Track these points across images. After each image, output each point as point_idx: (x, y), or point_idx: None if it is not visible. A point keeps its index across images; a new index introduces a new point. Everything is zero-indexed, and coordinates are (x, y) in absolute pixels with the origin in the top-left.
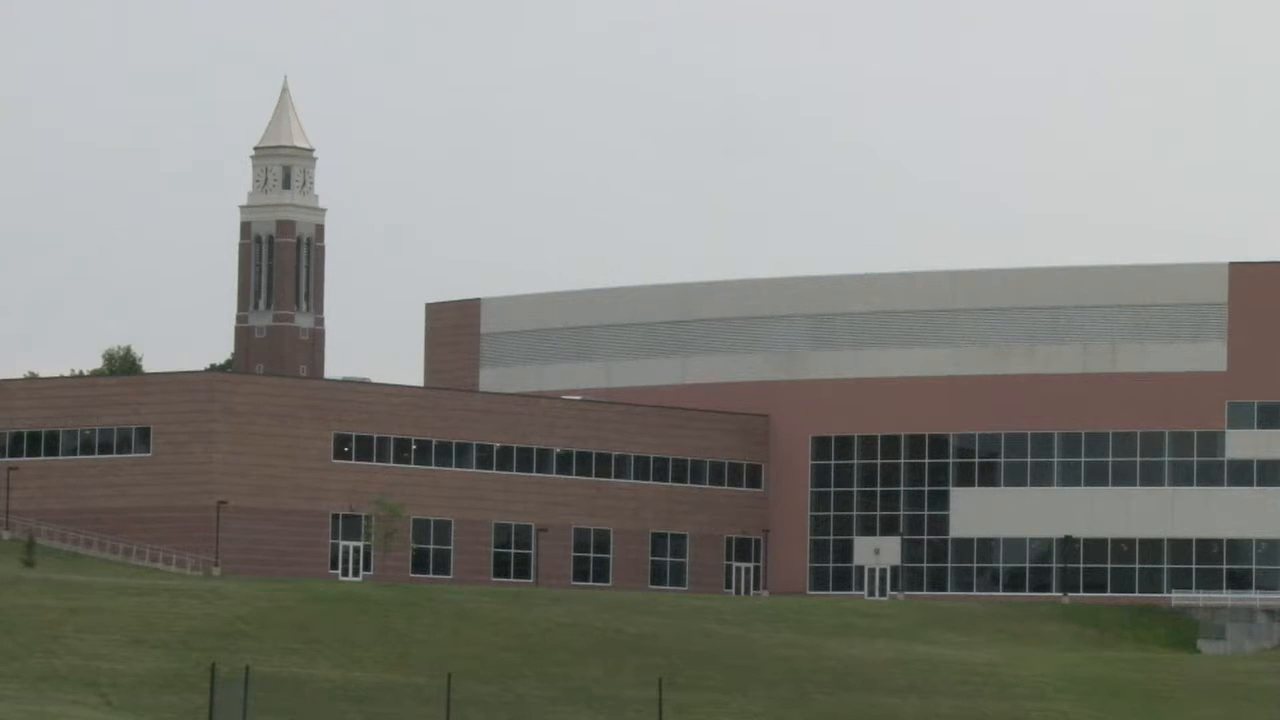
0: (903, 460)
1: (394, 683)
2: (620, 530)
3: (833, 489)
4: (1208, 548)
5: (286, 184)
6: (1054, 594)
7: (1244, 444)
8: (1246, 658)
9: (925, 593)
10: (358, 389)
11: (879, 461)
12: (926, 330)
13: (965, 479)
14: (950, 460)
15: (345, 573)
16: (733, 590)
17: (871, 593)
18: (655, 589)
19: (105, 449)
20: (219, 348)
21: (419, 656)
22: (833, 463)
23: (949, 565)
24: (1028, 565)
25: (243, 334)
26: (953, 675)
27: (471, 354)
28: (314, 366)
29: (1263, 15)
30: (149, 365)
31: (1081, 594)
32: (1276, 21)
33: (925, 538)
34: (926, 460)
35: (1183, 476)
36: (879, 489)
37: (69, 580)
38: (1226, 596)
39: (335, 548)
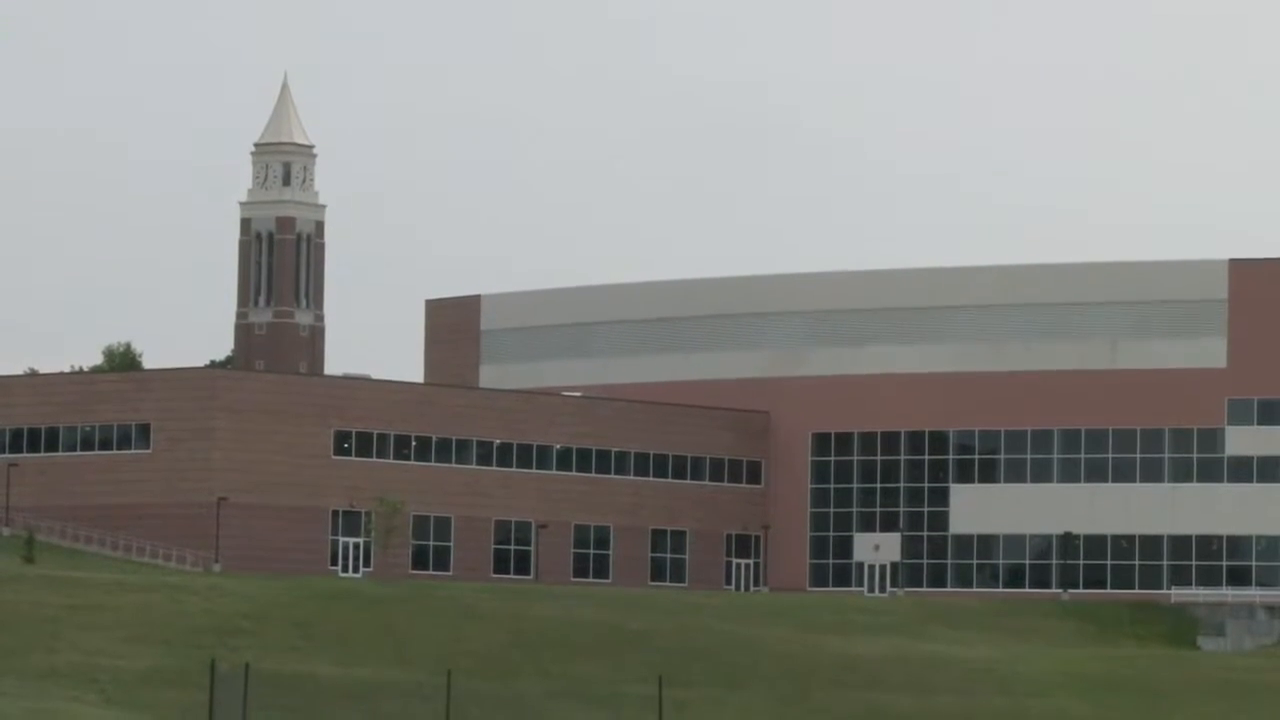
0: (902, 456)
1: (394, 679)
2: (620, 527)
3: (832, 485)
4: (1208, 544)
5: (286, 181)
6: (1054, 590)
7: (1244, 440)
8: (1246, 654)
9: (925, 589)
10: (358, 385)
11: (879, 458)
12: (926, 327)
13: (965, 475)
14: (950, 457)
15: (345, 569)
16: (733, 587)
17: (871, 589)
18: (655, 585)
19: (105, 445)
20: (219, 344)
21: (419, 653)
22: (832, 459)
23: (949, 562)
24: (1027, 562)
25: (243, 330)
26: (952, 672)
27: (471, 350)
28: (314, 363)
29: (1264, 14)
30: (149, 362)
31: (1081, 590)
32: (1277, 20)
33: (925, 534)
34: (926, 456)
35: (1183, 473)
36: (879, 485)
37: (69, 577)
38: (1226, 593)
39: (335, 544)
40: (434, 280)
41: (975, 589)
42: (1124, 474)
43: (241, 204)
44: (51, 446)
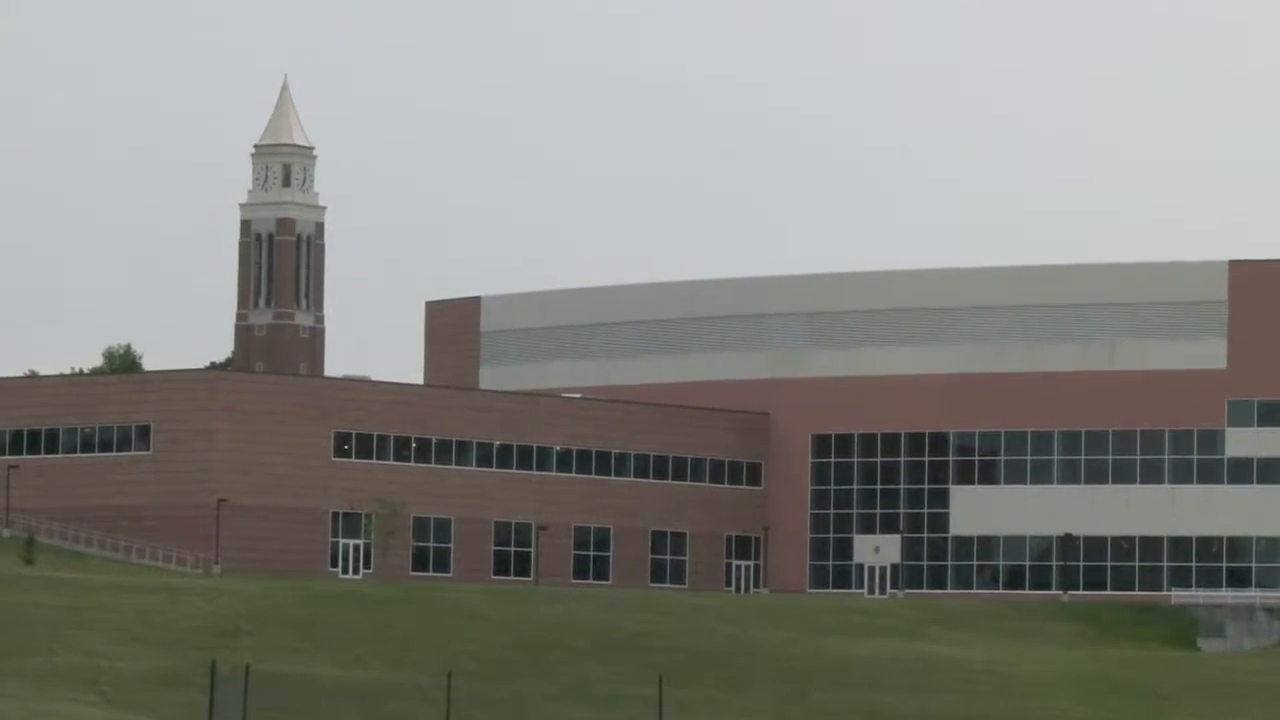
0: (903, 458)
1: (394, 681)
2: (620, 528)
3: (832, 487)
4: (1208, 546)
5: (286, 182)
6: (1054, 592)
7: (1244, 442)
8: (1246, 656)
9: (925, 591)
10: (358, 387)
11: (879, 459)
12: (926, 328)
13: (965, 477)
14: (950, 458)
15: (345, 571)
16: (733, 588)
17: (871, 591)
18: (655, 587)
19: (105, 447)
20: (219, 346)
21: (419, 655)
22: (833, 461)
23: (949, 563)
24: (1028, 563)
25: (243, 332)
26: (952, 673)
27: (471, 352)
28: (314, 364)
29: (1264, 14)
30: (149, 363)
31: (1081, 592)
32: (1277, 20)
33: (925, 536)
34: (926, 458)
35: (1183, 474)
36: (879, 487)
37: (69, 578)
38: (1226, 594)
39: (335, 546)
40: (434, 282)
41: (975, 590)
42: (1124, 475)
43: (241, 205)
44: (51, 448)
